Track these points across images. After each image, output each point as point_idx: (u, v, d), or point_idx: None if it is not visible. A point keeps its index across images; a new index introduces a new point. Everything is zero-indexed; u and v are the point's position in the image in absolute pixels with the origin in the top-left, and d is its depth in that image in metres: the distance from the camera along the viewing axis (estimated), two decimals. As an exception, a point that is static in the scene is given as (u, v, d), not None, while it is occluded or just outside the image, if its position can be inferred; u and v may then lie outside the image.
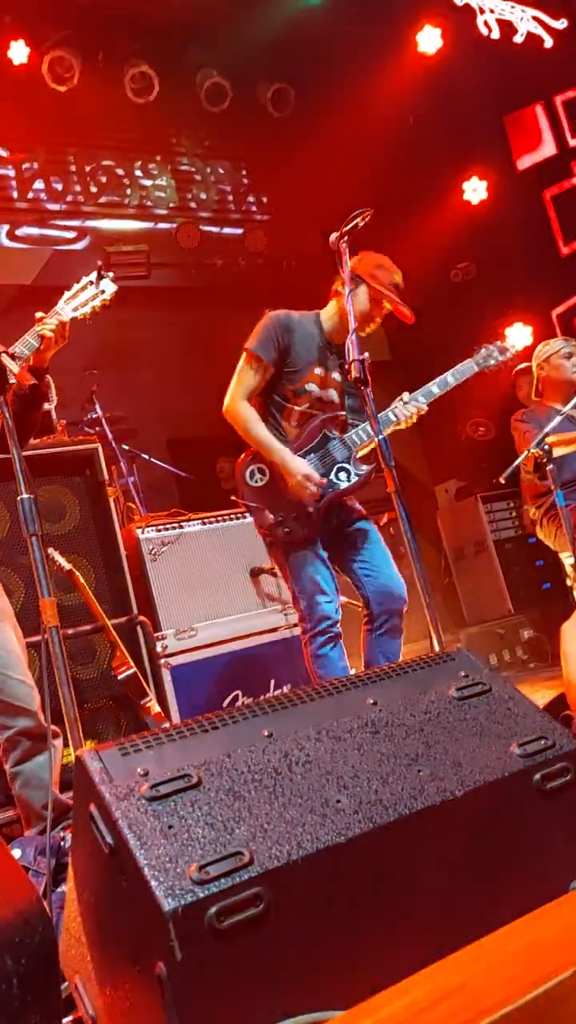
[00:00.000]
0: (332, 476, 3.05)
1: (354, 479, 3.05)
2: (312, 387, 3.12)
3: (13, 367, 2.13)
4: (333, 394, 3.16)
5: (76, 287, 2.64)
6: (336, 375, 3.18)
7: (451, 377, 3.18)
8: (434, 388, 3.15)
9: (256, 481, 3.06)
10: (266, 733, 1.34)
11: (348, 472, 3.05)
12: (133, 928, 1.13)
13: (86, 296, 2.62)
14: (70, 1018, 1.35)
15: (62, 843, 2.12)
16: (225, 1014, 1.07)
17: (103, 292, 2.64)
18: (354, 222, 2.82)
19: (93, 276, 2.64)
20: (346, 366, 2.87)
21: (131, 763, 1.24)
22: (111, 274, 2.67)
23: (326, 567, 3.06)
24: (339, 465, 3.07)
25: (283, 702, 1.42)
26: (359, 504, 3.22)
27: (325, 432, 3.09)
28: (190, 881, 1.08)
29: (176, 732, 1.32)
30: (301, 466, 2.97)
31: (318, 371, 3.14)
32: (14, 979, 1.17)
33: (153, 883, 1.07)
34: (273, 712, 1.39)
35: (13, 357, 2.16)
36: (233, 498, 3.09)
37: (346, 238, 2.83)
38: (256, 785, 1.25)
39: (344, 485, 3.05)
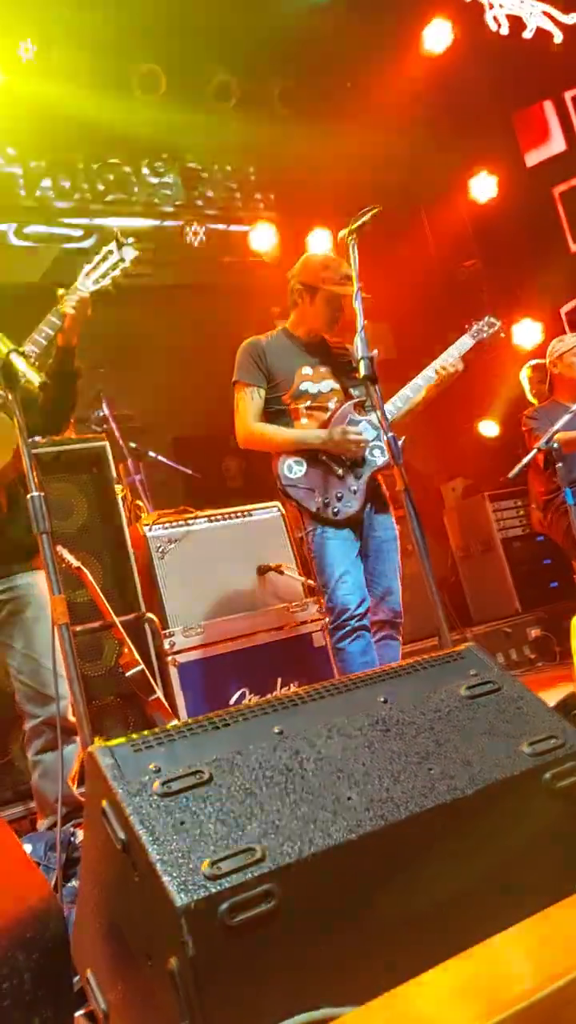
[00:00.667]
0: (367, 455, 3.16)
1: (388, 454, 3.11)
2: (307, 386, 3.22)
3: (22, 366, 2.12)
4: (331, 383, 3.25)
5: (96, 259, 2.59)
6: (324, 367, 3.26)
7: (453, 351, 3.34)
8: (438, 364, 3.27)
9: (295, 472, 3.14)
10: (277, 730, 1.35)
11: (381, 449, 3.16)
12: (145, 923, 1.13)
13: (106, 266, 2.58)
14: (82, 1011, 1.36)
15: (72, 838, 2.13)
16: (238, 1009, 1.08)
17: (123, 260, 2.59)
18: (363, 219, 2.83)
19: (112, 245, 2.60)
20: (353, 363, 2.90)
21: (143, 759, 1.24)
22: (130, 240, 2.63)
23: (358, 558, 3.11)
24: (371, 444, 3.16)
25: (294, 700, 1.42)
26: (392, 513, 3.28)
27: (350, 417, 3.18)
28: (202, 876, 1.09)
29: (187, 729, 1.32)
30: (338, 431, 3.08)
31: (306, 370, 3.24)
32: (26, 973, 1.18)
33: (166, 878, 1.07)
34: (284, 709, 1.40)
35: (24, 355, 2.16)
36: (280, 488, 3.18)
37: (355, 235, 2.84)
38: (267, 782, 1.25)
39: (380, 461, 3.16)
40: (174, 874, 1.08)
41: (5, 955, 1.13)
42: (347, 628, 3.00)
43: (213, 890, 1.07)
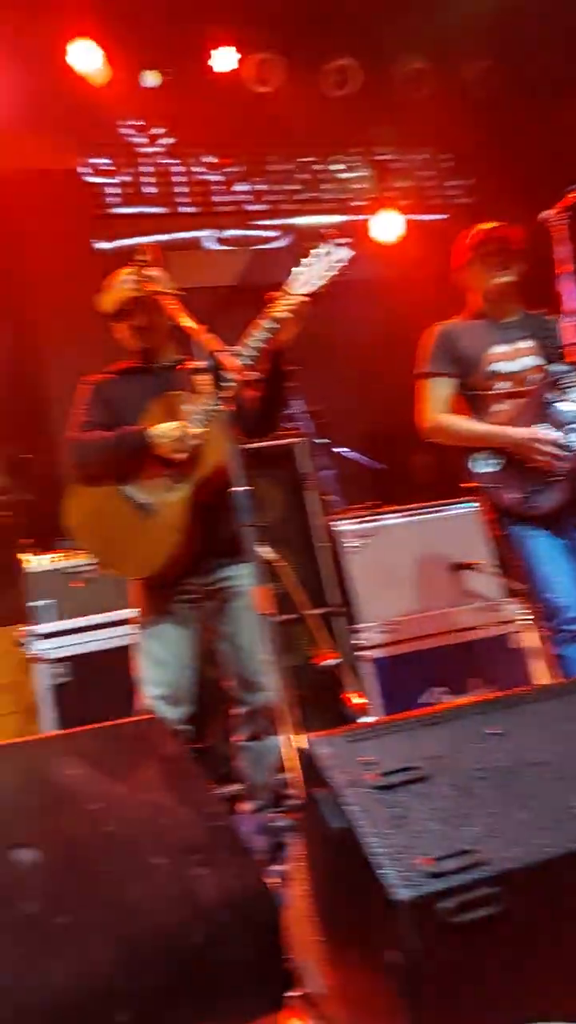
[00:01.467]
0: (568, 439, 2.86)
1: None
2: (500, 365, 2.99)
3: (232, 364, 2.21)
4: (529, 360, 3.00)
5: (311, 259, 2.57)
6: (524, 343, 3.02)
7: None
8: None
9: (488, 467, 2.94)
10: (492, 731, 1.30)
11: None
12: (364, 914, 1.14)
13: (321, 267, 2.55)
14: (298, 993, 1.38)
15: (274, 824, 2.19)
16: (454, 1009, 1.06)
17: (340, 260, 2.54)
18: (567, 198, 2.68)
19: (328, 245, 2.56)
20: (559, 342, 2.75)
21: (358, 751, 1.25)
22: (343, 239, 2.57)
23: (565, 554, 2.88)
24: (569, 426, 2.87)
25: (509, 700, 1.38)
26: None
27: (543, 398, 2.92)
28: (423, 873, 1.07)
29: (400, 724, 1.32)
30: (537, 433, 2.83)
31: (501, 349, 3.00)
32: (247, 949, 1.22)
33: (387, 871, 1.07)
34: (498, 710, 1.35)
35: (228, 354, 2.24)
36: (472, 484, 2.98)
37: (563, 215, 2.68)
38: (485, 783, 1.21)
39: None
40: (395, 868, 1.07)
41: (233, 930, 1.18)
42: (564, 632, 2.75)
43: (436, 888, 1.06)
